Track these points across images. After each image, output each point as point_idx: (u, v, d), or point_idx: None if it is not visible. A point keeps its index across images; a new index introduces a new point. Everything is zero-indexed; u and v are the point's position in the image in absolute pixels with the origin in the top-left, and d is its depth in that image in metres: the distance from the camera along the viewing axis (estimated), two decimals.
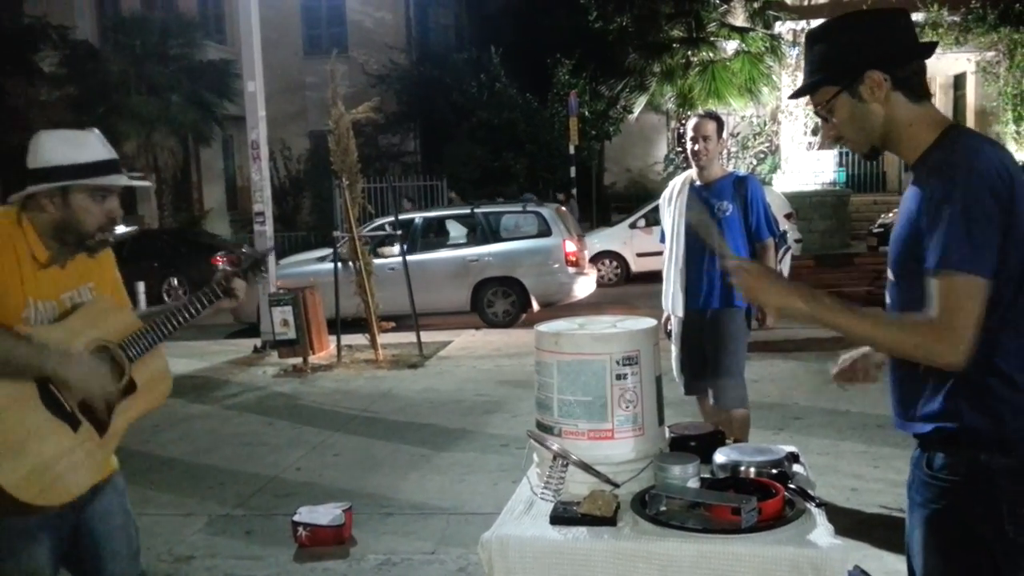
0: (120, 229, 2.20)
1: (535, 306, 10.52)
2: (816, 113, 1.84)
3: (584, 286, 10.83)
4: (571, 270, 10.56)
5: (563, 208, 11.66)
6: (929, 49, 1.80)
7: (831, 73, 1.76)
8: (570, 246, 10.58)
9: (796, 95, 1.90)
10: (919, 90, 1.74)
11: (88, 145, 2.09)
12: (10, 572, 2.05)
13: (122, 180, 2.13)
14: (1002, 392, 1.62)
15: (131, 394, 2.13)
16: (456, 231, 11.45)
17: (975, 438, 1.64)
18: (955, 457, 1.67)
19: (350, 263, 8.84)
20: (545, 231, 10.73)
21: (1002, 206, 1.58)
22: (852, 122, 1.77)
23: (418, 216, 11.49)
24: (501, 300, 10.67)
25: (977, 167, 1.59)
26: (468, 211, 11.35)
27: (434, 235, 11.28)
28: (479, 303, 10.61)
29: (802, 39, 16.96)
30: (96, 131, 2.16)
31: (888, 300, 1.81)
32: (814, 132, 19.07)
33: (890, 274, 1.80)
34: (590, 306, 10.83)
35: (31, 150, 2.09)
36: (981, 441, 1.64)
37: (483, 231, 10.96)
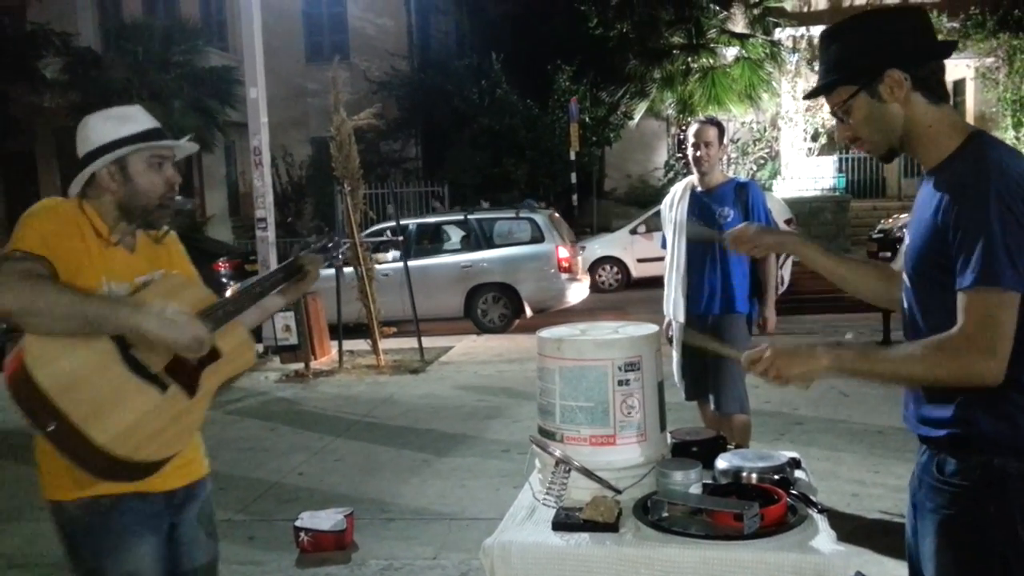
0: (179, 199, 2.18)
1: (528, 312, 10.58)
2: (832, 113, 1.80)
3: (577, 292, 10.89)
4: (564, 276, 10.61)
5: (556, 214, 11.70)
6: (948, 48, 1.78)
7: (849, 72, 1.73)
8: (563, 252, 10.62)
9: (812, 95, 1.87)
10: (938, 91, 1.72)
11: (133, 117, 2.11)
12: (113, 569, 2.01)
13: (178, 143, 2.14)
14: (1019, 399, 1.62)
15: (216, 360, 2.10)
16: (450, 237, 11.50)
17: (990, 443, 1.64)
18: (968, 462, 1.66)
19: (346, 269, 8.87)
20: (538, 237, 10.79)
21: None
22: (870, 123, 1.74)
23: (412, 223, 11.53)
24: (494, 306, 10.72)
25: (1011, 183, 1.58)
26: (462, 217, 11.39)
27: (428, 241, 11.31)
28: (472, 309, 10.66)
29: (801, 45, 17.04)
30: (138, 106, 2.18)
31: (905, 304, 1.80)
32: (814, 138, 19.13)
33: (906, 279, 1.78)
34: (585, 312, 10.87)
35: (80, 137, 2.10)
36: (996, 446, 1.63)
37: (476, 237, 11.01)
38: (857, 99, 1.72)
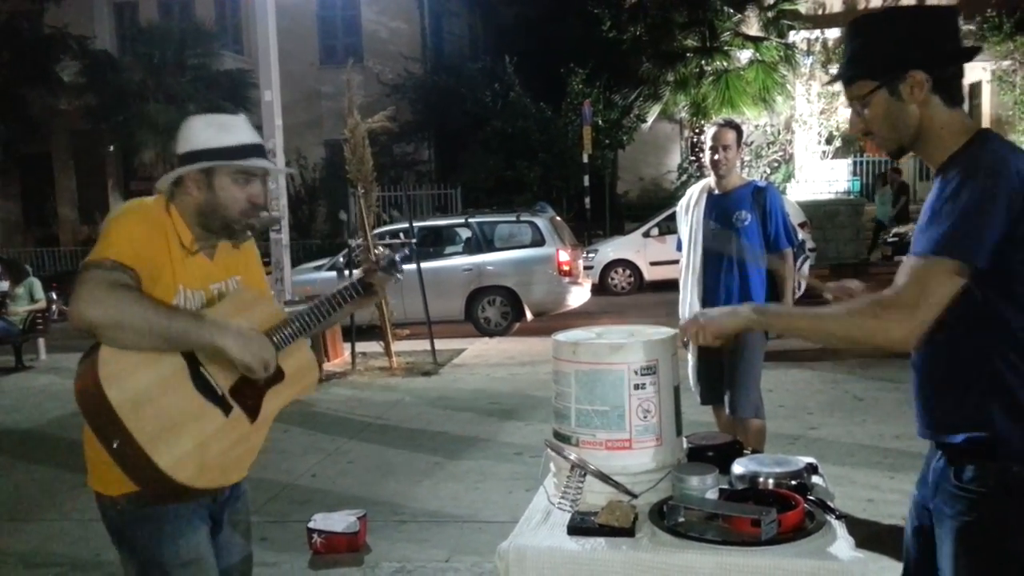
0: (265, 215, 2.16)
1: (528, 315, 10.58)
2: (849, 103, 1.80)
3: (578, 296, 10.91)
4: (565, 280, 10.63)
5: (557, 218, 11.72)
6: (971, 53, 1.78)
7: (873, 67, 1.72)
8: (563, 256, 10.63)
9: (833, 81, 1.86)
10: (956, 95, 1.72)
11: (234, 129, 2.09)
12: (170, 558, 1.99)
13: (264, 163, 2.12)
14: None
15: (279, 381, 2.11)
16: (452, 240, 11.53)
17: (1007, 449, 1.63)
18: (986, 468, 1.65)
19: (345, 272, 8.90)
20: (539, 241, 10.82)
21: (1013, 216, 1.56)
22: (886, 119, 1.73)
23: (415, 225, 11.55)
24: (495, 309, 10.73)
25: (998, 171, 1.58)
26: (463, 221, 11.43)
27: (429, 244, 11.34)
28: (473, 312, 10.69)
29: (816, 48, 16.98)
30: (243, 117, 2.17)
31: None
32: (828, 141, 19.05)
33: None
34: (586, 315, 10.89)
35: (181, 136, 2.09)
36: (1013, 452, 1.62)
37: (477, 241, 11.04)
38: (877, 95, 1.72)
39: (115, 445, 1.83)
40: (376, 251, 2.51)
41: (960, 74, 1.74)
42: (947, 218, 1.56)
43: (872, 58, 1.73)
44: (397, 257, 2.38)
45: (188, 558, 2.01)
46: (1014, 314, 1.61)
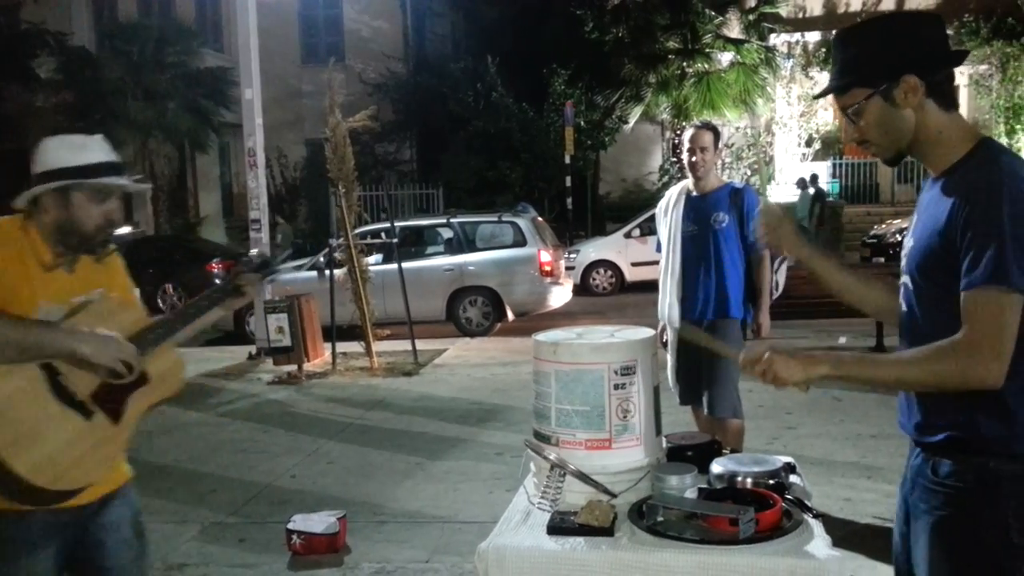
0: (123, 231, 2.20)
1: (510, 315, 10.59)
2: (842, 113, 1.79)
3: (559, 296, 10.94)
4: (546, 280, 10.65)
5: (539, 218, 11.75)
6: (961, 57, 1.78)
7: (865, 75, 1.72)
8: (545, 256, 10.66)
9: (824, 94, 1.84)
10: (949, 98, 1.72)
11: (88, 148, 2.14)
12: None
13: (119, 182, 2.16)
14: (1016, 402, 1.63)
15: (144, 385, 2.14)
16: (433, 240, 11.53)
17: (987, 446, 1.65)
18: (964, 464, 1.67)
19: (326, 271, 8.87)
20: (521, 241, 10.82)
21: None
22: (881, 126, 1.73)
23: (396, 225, 11.54)
24: (476, 309, 10.73)
25: (1019, 186, 1.59)
26: (444, 221, 11.43)
27: (411, 244, 11.32)
28: (454, 312, 10.68)
29: (796, 51, 17.05)
30: (100, 136, 2.21)
31: (904, 307, 1.80)
32: (808, 143, 19.20)
33: (907, 280, 1.78)
34: (567, 315, 10.93)
35: (36, 157, 2.14)
36: (992, 448, 1.64)
37: (459, 241, 11.03)
38: (871, 102, 1.71)
39: None
40: (252, 251, 2.51)
41: (951, 78, 1.75)
42: (991, 248, 1.56)
43: (864, 66, 1.72)
44: (271, 257, 2.41)
45: None
46: None
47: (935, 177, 1.75)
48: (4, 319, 1.92)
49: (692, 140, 4.13)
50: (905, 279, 1.79)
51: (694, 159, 4.12)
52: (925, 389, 1.69)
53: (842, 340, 5.65)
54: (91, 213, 2.11)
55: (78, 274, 2.17)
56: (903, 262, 1.82)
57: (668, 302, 4.27)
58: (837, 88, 1.77)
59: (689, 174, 4.22)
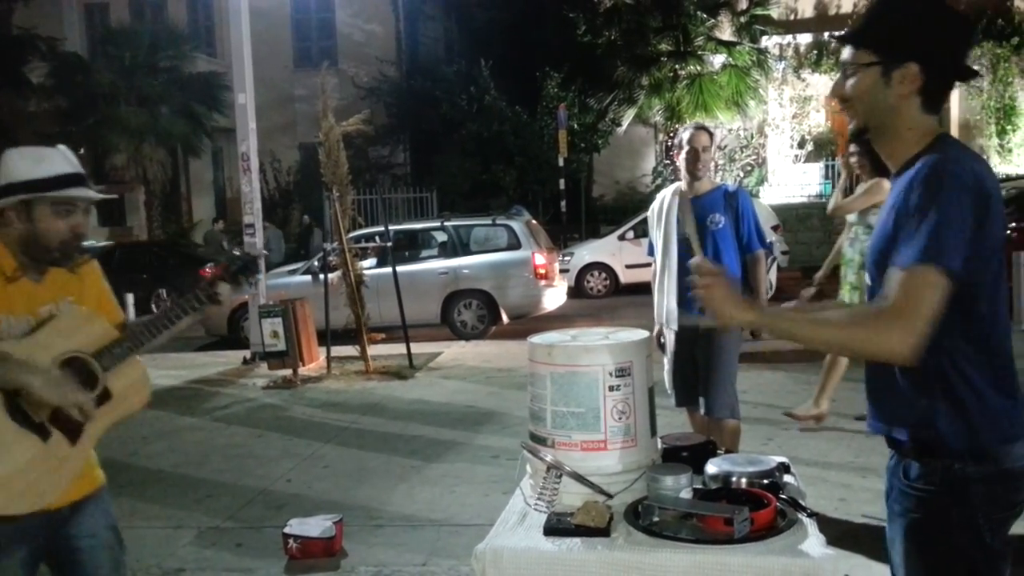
0: (92, 244, 2.18)
1: (505, 319, 10.61)
2: (841, 66, 1.81)
3: (553, 298, 10.96)
4: (541, 283, 10.66)
5: (533, 221, 11.77)
6: (971, 75, 1.79)
7: (880, 43, 1.72)
8: (539, 259, 10.67)
9: (843, 38, 1.83)
10: (936, 105, 1.74)
11: (49, 160, 2.11)
12: None
13: (80, 193, 2.13)
14: (972, 403, 1.65)
15: (106, 402, 2.12)
16: (427, 244, 11.53)
17: (949, 447, 1.66)
18: (930, 466, 1.69)
19: (321, 275, 8.87)
20: (515, 244, 10.84)
21: (977, 221, 1.60)
22: (866, 95, 1.74)
23: (390, 229, 11.54)
24: (471, 312, 10.74)
25: (960, 178, 1.61)
26: (438, 224, 11.44)
27: (405, 248, 11.33)
28: (449, 315, 10.69)
29: (788, 53, 17.03)
30: (62, 147, 2.17)
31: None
32: (800, 145, 19.26)
33: (867, 278, 1.81)
34: (562, 318, 10.93)
35: None
36: (955, 450, 1.66)
37: (453, 244, 11.04)
38: (870, 71, 1.72)
39: None
40: (232, 255, 2.44)
41: (949, 89, 1.77)
42: (925, 227, 1.58)
43: (883, 33, 1.73)
44: (250, 259, 2.35)
45: None
46: (966, 322, 1.64)
47: (895, 173, 1.78)
48: None
49: (692, 140, 4.14)
50: (867, 277, 1.83)
51: (692, 160, 4.13)
52: (843, 353, 1.73)
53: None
54: (56, 227, 2.08)
55: (47, 283, 2.15)
56: (867, 260, 1.84)
57: (664, 304, 4.28)
58: (853, 39, 1.77)
59: (686, 175, 4.24)
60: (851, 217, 5.58)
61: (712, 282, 1.79)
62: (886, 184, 5.32)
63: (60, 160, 2.13)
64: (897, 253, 1.62)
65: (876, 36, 1.74)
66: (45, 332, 2.05)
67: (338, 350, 8.81)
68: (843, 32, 1.89)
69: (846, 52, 1.78)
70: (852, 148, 5.54)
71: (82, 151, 19.33)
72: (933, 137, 1.73)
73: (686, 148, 4.16)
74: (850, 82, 1.76)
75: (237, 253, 2.46)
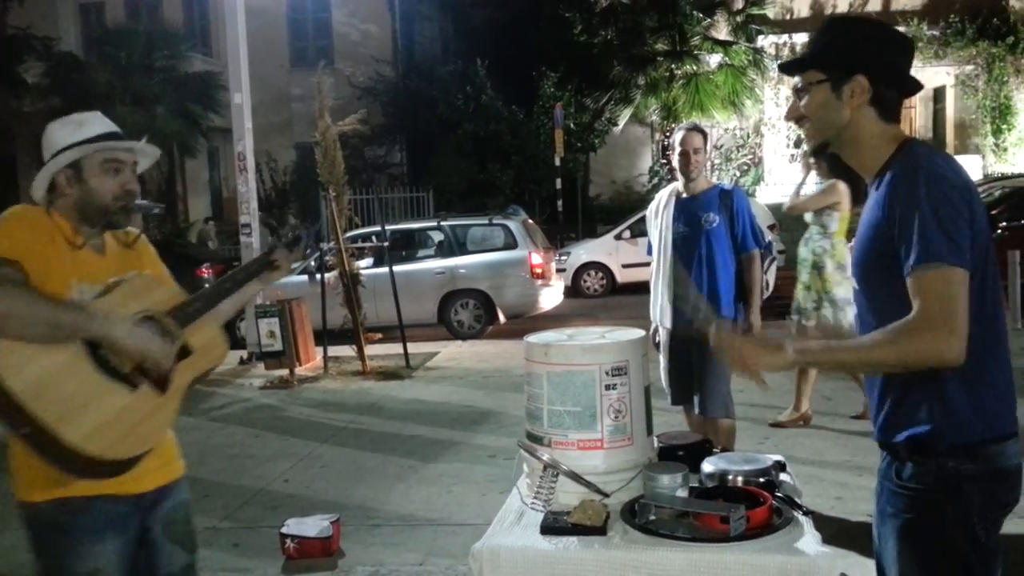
0: (146, 203, 2.23)
1: (502, 318, 10.61)
2: (793, 90, 1.88)
3: (550, 298, 10.97)
4: (537, 282, 10.67)
5: (530, 221, 11.78)
6: (916, 87, 1.85)
7: (826, 62, 1.80)
8: (536, 258, 10.68)
9: (786, 66, 1.92)
10: (891, 113, 1.80)
11: (90, 123, 2.17)
12: (70, 566, 2.04)
13: (123, 145, 2.18)
14: (962, 400, 1.66)
15: (186, 357, 2.15)
16: (424, 244, 11.54)
17: (943, 446, 1.67)
18: (924, 466, 1.70)
19: (318, 275, 8.87)
20: (512, 243, 10.84)
21: (968, 215, 1.63)
22: (818, 111, 1.81)
23: (386, 229, 11.55)
24: (468, 312, 10.75)
25: (939, 172, 1.66)
26: (435, 224, 11.45)
27: (401, 248, 11.33)
28: (446, 315, 10.69)
29: (784, 52, 17.16)
30: (98, 112, 2.24)
31: (857, 309, 1.84)
32: (796, 144, 19.28)
33: (855, 283, 1.83)
34: (559, 317, 10.94)
35: (43, 143, 2.16)
36: (948, 449, 1.67)
37: (450, 244, 11.04)
38: (820, 87, 1.80)
39: (25, 432, 1.87)
40: (283, 229, 2.54)
41: (900, 100, 1.83)
42: (927, 227, 1.60)
43: (829, 53, 1.82)
44: (302, 235, 2.41)
45: (86, 569, 2.05)
46: None
47: (870, 181, 1.81)
48: (37, 296, 1.92)
49: (683, 142, 4.16)
50: (853, 283, 1.85)
51: (685, 160, 4.15)
52: (891, 369, 1.71)
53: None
54: (108, 185, 2.12)
55: (109, 257, 2.19)
56: (851, 267, 1.87)
57: (660, 303, 4.30)
58: (799, 63, 1.86)
59: (680, 175, 4.25)
60: (807, 217, 5.66)
61: (738, 345, 1.80)
62: (841, 186, 5.37)
63: (100, 122, 2.18)
64: (908, 258, 1.62)
65: (824, 56, 1.82)
66: (117, 294, 2.07)
67: (335, 350, 8.81)
68: (789, 60, 1.98)
69: (796, 77, 1.86)
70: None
71: None
72: (900, 142, 1.77)
73: (678, 150, 4.17)
74: (804, 101, 1.83)
75: (293, 223, 2.51)
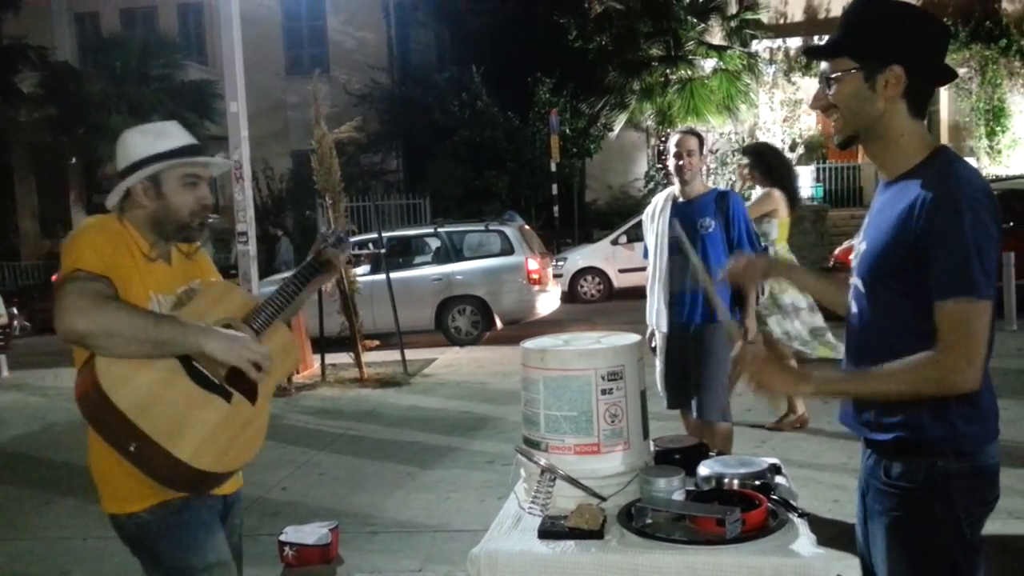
0: (214, 219, 2.22)
1: (499, 324, 10.63)
2: (820, 77, 1.79)
3: (547, 303, 11.00)
4: (534, 288, 10.69)
5: (526, 227, 11.80)
6: (951, 76, 1.79)
7: (860, 49, 1.71)
8: (532, 264, 10.70)
9: (814, 50, 1.84)
10: (921, 108, 1.74)
11: (171, 133, 2.15)
12: (197, 563, 2.04)
13: (206, 159, 2.18)
14: (957, 402, 1.67)
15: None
16: (420, 250, 11.55)
17: (934, 446, 1.69)
18: (913, 464, 1.71)
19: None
20: (508, 249, 10.87)
21: (996, 230, 1.63)
22: (850, 102, 1.73)
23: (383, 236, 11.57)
24: (465, 318, 10.77)
25: (982, 201, 1.63)
26: (432, 230, 11.46)
27: (398, 255, 11.34)
28: (443, 321, 10.71)
29: (778, 57, 17.12)
30: (175, 121, 2.22)
31: (854, 309, 1.82)
32: (791, 148, 19.34)
33: (859, 283, 1.80)
34: (556, 323, 10.96)
35: (118, 152, 2.14)
36: (939, 448, 1.69)
37: (447, 250, 11.06)
38: (852, 76, 1.71)
39: (133, 449, 1.86)
40: (321, 230, 2.55)
41: (932, 92, 1.78)
42: (962, 257, 1.59)
43: (863, 40, 1.71)
44: (342, 233, 2.42)
45: (214, 561, 2.06)
46: None
47: (888, 181, 1.78)
48: (137, 311, 1.92)
49: (678, 145, 4.18)
50: (856, 281, 1.82)
51: (680, 164, 4.17)
52: (902, 398, 1.71)
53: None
54: (186, 199, 2.10)
55: (176, 267, 2.19)
56: (854, 264, 1.84)
57: (656, 308, 4.31)
58: (831, 49, 1.76)
59: (675, 179, 4.27)
60: None
61: (760, 366, 1.78)
62: (776, 194, 5.36)
63: (180, 133, 2.16)
64: (935, 285, 1.62)
65: (856, 43, 1.73)
66: (194, 303, 2.07)
67: (332, 357, 8.81)
68: (819, 45, 1.87)
69: (824, 63, 1.77)
70: (743, 159, 5.58)
71: (73, 160, 19.35)
72: (932, 149, 1.73)
73: (673, 152, 4.19)
74: (832, 89, 1.75)
75: (326, 230, 2.52)
